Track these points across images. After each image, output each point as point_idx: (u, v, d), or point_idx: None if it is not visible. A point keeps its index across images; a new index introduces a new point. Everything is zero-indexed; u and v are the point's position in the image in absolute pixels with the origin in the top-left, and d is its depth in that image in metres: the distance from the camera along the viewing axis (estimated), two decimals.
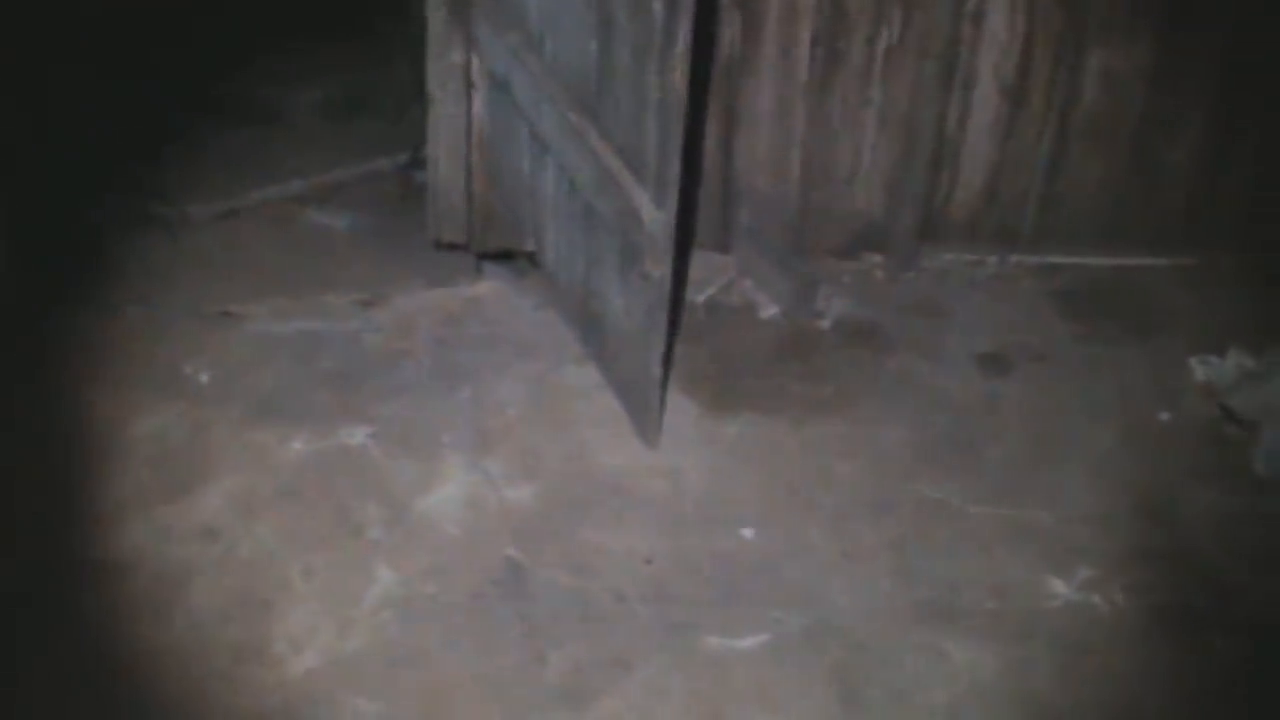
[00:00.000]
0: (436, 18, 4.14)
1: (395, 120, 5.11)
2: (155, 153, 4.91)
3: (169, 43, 5.43)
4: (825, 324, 4.16)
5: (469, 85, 4.22)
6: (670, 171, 3.35)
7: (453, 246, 4.39)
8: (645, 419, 3.72)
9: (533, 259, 4.28)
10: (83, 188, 4.61)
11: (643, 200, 3.45)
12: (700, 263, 4.34)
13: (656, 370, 3.63)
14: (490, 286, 4.31)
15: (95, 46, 5.08)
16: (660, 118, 3.33)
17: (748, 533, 3.47)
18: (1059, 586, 3.37)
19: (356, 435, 3.70)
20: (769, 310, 4.17)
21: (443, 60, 4.18)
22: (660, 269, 3.47)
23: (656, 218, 3.42)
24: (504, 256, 4.37)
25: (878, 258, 4.36)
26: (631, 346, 3.70)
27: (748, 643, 3.21)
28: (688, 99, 3.29)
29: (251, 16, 5.62)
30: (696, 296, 4.26)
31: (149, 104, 5.10)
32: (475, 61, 4.18)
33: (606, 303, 3.81)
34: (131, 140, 4.89)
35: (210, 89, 5.38)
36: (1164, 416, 3.91)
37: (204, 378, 3.88)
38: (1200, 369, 4.04)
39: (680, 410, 3.83)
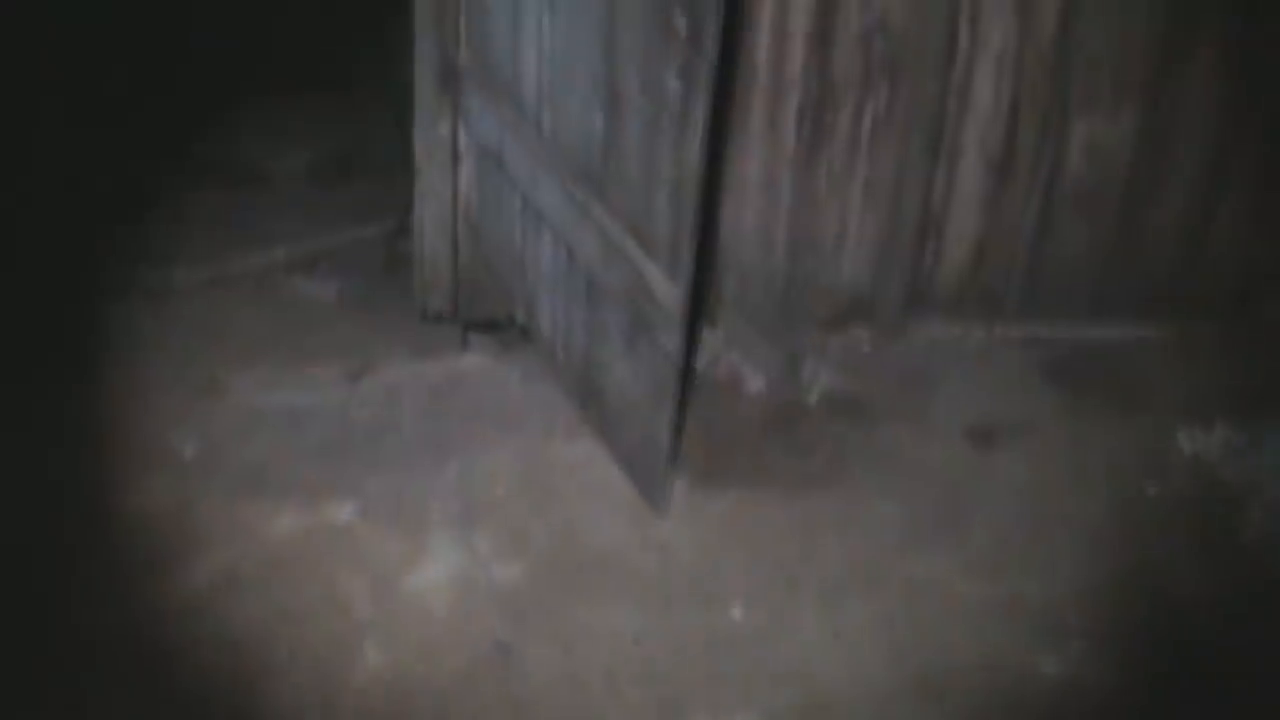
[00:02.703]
0: (425, 90, 4.16)
1: (382, 184, 5.11)
2: (138, 216, 4.91)
3: (149, 94, 5.41)
4: (812, 397, 4.16)
5: (456, 157, 4.23)
6: (684, 246, 3.36)
7: (439, 317, 4.38)
8: (653, 488, 3.72)
9: (523, 330, 4.28)
10: (65, 252, 4.60)
11: (654, 274, 3.46)
12: None
13: (665, 440, 3.62)
14: (476, 358, 4.30)
15: (72, 101, 5.05)
16: (674, 193, 3.35)
17: (737, 611, 3.46)
18: (1050, 663, 3.36)
19: (343, 511, 3.68)
20: (755, 383, 4.16)
21: (430, 132, 4.20)
22: (673, 341, 3.47)
23: (670, 291, 3.42)
24: (490, 327, 4.36)
25: (864, 329, 4.36)
26: (639, 417, 3.70)
27: None
28: (703, 173, 3.30)
29: (231, 67, 5.63)
30: None
31: (130, 163, 5.09)
32: (463, 133, 4.19)
33: (609, 373, 3.80)
34: (113, 202, 4.89)
35: (192, 148, 5.38)
36: (1152, 490, 3.91)
37: (189, 450, 3.86)
38: (1188, 441, 4.05)
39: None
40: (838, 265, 4.31)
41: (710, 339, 4.31)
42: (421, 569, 3.53)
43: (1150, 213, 4.34)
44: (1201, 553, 3.71)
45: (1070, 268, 4.36)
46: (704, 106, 3.20)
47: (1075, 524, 3.77)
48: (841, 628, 3.43)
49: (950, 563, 3.61)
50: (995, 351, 4.38)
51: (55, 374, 4.09)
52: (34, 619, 3.32)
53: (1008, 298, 4.39)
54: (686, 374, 3.77)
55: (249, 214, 5.03)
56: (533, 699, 3.22)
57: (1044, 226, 4.30)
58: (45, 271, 4.47)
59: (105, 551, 3.54)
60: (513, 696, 3.22)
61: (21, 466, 3.75)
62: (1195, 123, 4.24)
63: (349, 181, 5.29)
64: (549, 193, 3.82)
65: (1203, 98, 4.21)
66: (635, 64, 3.39)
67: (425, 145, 4.23)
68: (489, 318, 4.35)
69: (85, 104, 5.10)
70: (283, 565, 3.51)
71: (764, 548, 3.65)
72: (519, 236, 4.09)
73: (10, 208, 4.51)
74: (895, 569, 3.59)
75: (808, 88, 4.07)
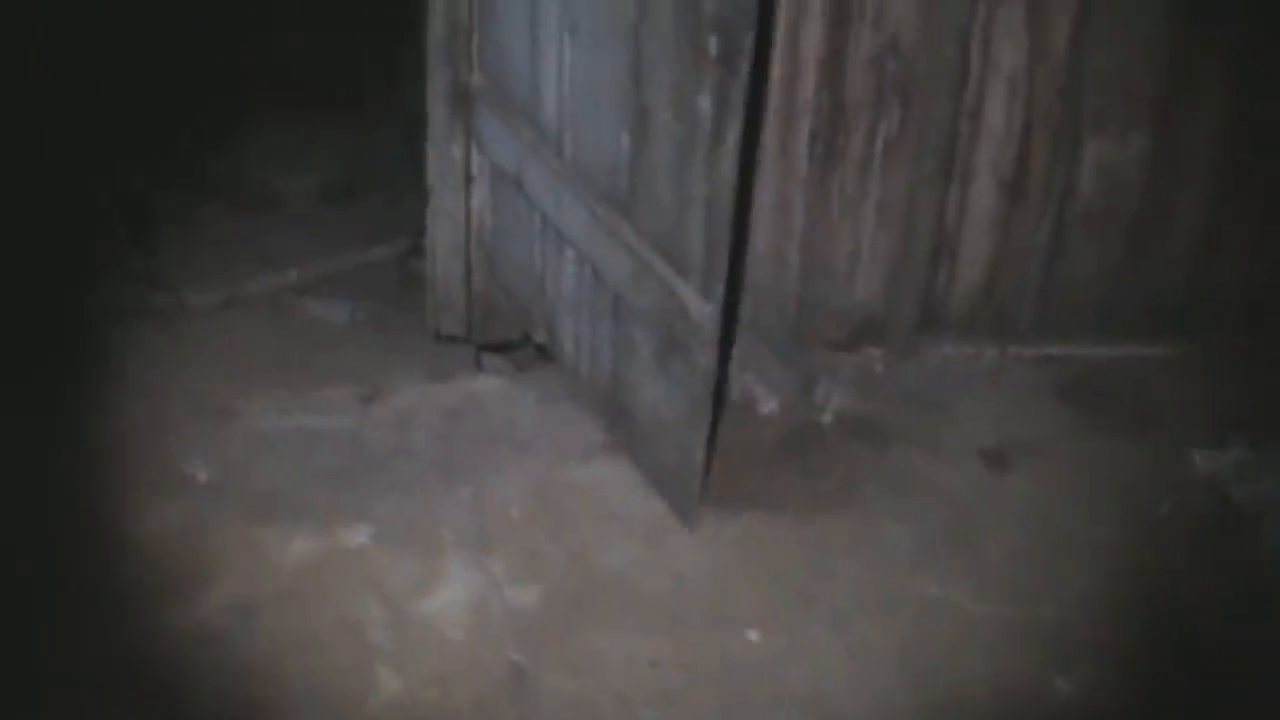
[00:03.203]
0: (437, 112, 4.17)
1: (393, 205, 5.11)
2: (151, 238, 4.91)
3: (159, 114, 5.41)
4: (825, 418, 4.15)
5: (469, 178, 4.24)
6: (719, 265, 3.38)
7: (452, 339, 4.39)
8: (686, 505, 3.72)
9: (539, 350, 4.28)
10: (79, 274, 4.60)
11: (687, 292, 3.47)
12: None
13: (700, 457, 3.64)
14: (490, 380, 4.31)
15: (83, 121, 5.06)
16: (707, 212, 3.36)
17: (752, 634, 3.45)
18: (1063, 684, 3.35)
19: (357, 535, 3.67)
20: (768, 404, 4.16)
21: (442, 153, 4.21)
22: (707, 359, 3.48)
23: (704, 310, 3.43)
24: (504, 348, 4.37)
25: (877, 350, 4.36)
26: (671, 435, 3.70)
27: None
28: (736, 193, 3.31)
29: (240, 85, 5.62)
30: None
31: (136, 180, 5.09)
32: (476, 155, 4.20)
33: (638, 392, 3.81)
34: (126, 223, 4.89)
35: (204, 169, 5.38)
36: (1165, 509, 3.90)
37: (203, 475, 3.86)
38: (1200, 461, 4.04)
39: None
40: (850, 286, 4.31)
41: None
42: (436, 593, 3.52)
43: (1162, 231, 4.34)
44: (1215, 572, 3.70)
45: (1082, 287, 4.36)
46: (737, 127, 3.22)
47: (1088, 544, 3.76)
48: (856, 649, 3.43)
49: (964, 583, 3.61)
50: (1008, 371, 4.38)
51: (67, 398, 4.09)
52: (45, 644, 3.30)
53: (1020, 317, 4.39)
54: (720, 392, 3.78)
55: (259, 235, 5.03)
56: None
57: (1056, 246, 4.31)
58: (56, 294, 4.47)
59: (117, 577, 3.53)
60: None
61: (32, 491, 3.74)
62: (1206, 141, 4.24)
63: (360, 202, 5.29)
64: (572, 213, 3.82)
65: (1213, 116, 4.21)
66: (664, 86, 3.40)
67: (437, 167, 4.24)
68: (503, 339, 4.36)
69: (83, 108, 5.06)
70: (296, 590, 3.51)
71: (778, 570, 3.65)
72: (538, 257, 4.09)
73: (22, 228, 4.50)
74: (909, 590, 3.59)
75: (819, 110, 4.07)
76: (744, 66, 3.15)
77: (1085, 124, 4.17)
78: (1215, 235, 4.37)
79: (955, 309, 4.37)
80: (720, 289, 3.40)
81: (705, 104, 3.26)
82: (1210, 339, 4.44)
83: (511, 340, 4.41)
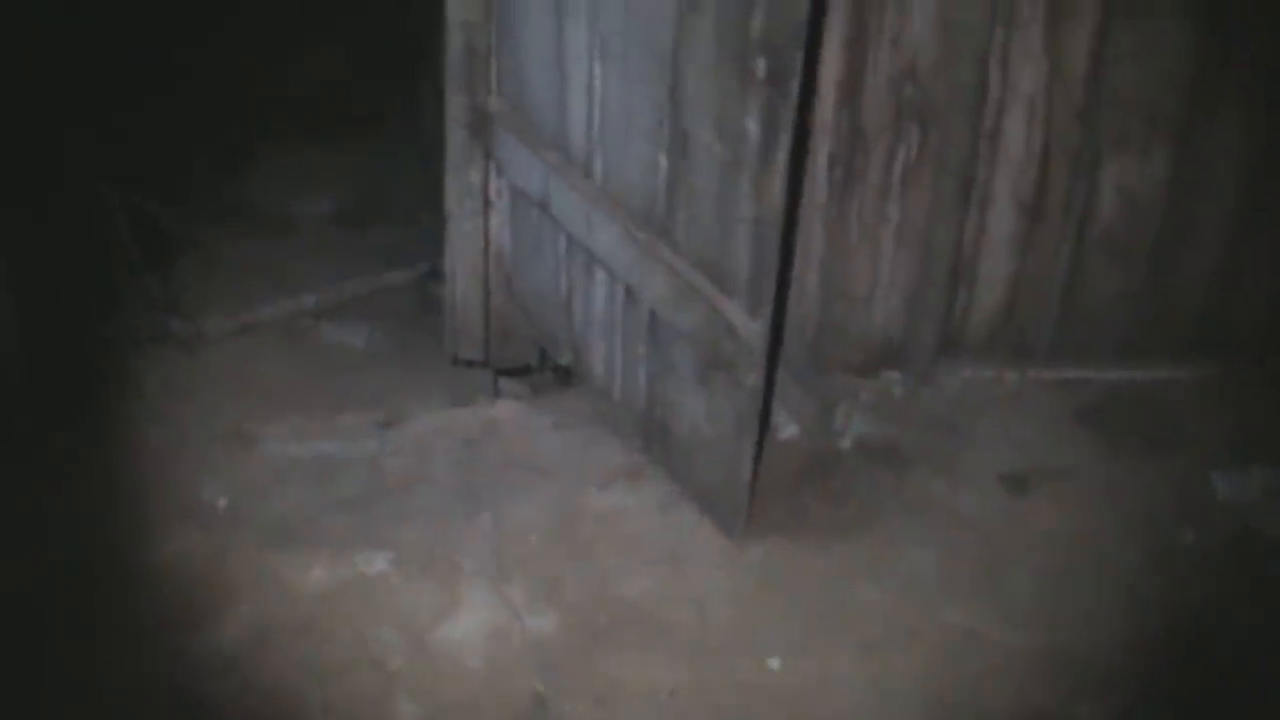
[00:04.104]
0: (455, 136, 4.16)
1: (411, 228, 5.12)
2: (168, 264, 4.91)
3: (176, 138, 5.42)
4: (845, 443, 4.13)
5: (487, 202, 4.23)
6: (767, 284, 3.38)
7: (470, 363, 4.38)
8: (732, 521, 3.73)
9: (561, 374, 4.27)
10: (97, 301, 4.60)
11: (734, 311, 3.47)
12: None
13: (747, 474, 3.65)
14: (508, 405, 4.30)
15: (100, 148, 5.06)
16: (754, 232, 3.37)
17: (774, 663, 3.43)
18: (1090, 713, 3.32)
19: (376, 562, 3.65)
20: (789, 429, 4.13)
21: (461, 178, 4.20)
22: (755, 377, 3.48)
23: (752, 328, 3.44)
24: (523, 372, 4.36)
25: (896, 375, 4.33)
26: (716, 453, 3.70)
27: None
28: (785, 214, 3.32)
29: (256, 109, 5.63)
30: None
31: (158, 210, 5.09)
32: (495, 179, 4.19)
33: (678, 411, 3.80)
34: (143, 250, 4.89)
35: (219, 195, 5.39)
36: (1190, 535, 3.86)
37: (222, 501, 3.86)
38: (1224, 486, 4.01)
39: (703, 535, 3.79)
40: (869, 311, 4.28)
41: None
42: (455, 621, 3.51)
43: (1182, 254, 4.32)
44: (1240, 599, 3.66)
45: (1103, 310, 4.33)
46: (786, 147, 3.23)
47: (1113, 572, 3.73)
48: (879, 679, 3.40)
49: (988, 612, 3.58)
50: (1028, 395, 4.34)
51: (88, 424, 4.09)
52: (64, 669, 3.29)
53: (1040, 341, 4.36)
54: (765, 409, 3.78)
55: (278, 261, 5.04)
56: None
57: (1076, 270, 4.28)
58: (74, 319, 4.47)
59: (136, 603, 3.53)
60: None
61: (52, 516, 3.74)
62: (1226, 163, 4.22)
63: (376, 225, 5.30)
64: (603, 235, 3.81)
65: (1233, 137, 4.18)
66: (706, 107, 3.40)
67: (456, 191, 4.23)
68: (521, 363, 4.35)
69: (99, 131, 5.07)
70: (315, 617, 3.50)
71: (800, 597, 3.62)
72: (564, 280, 4.08)
73: (42, 256, 4.50)
74: (933, 618, 3.56)
75: (838, 134, 4.05)
76: (794, 87, 3.16)
77: (1105, 146, 4.15)
78: (1237, 257, 4.34)
79: (974, 333, 4.34)
80: (769, 308, 3.41)
81: (753, 125, 3.26)
82: (1232, 361, 4.40)
83: (530, 364, 4.40)
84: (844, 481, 4.00)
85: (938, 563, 3.73)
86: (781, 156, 3.23)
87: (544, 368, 4.39)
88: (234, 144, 5.58)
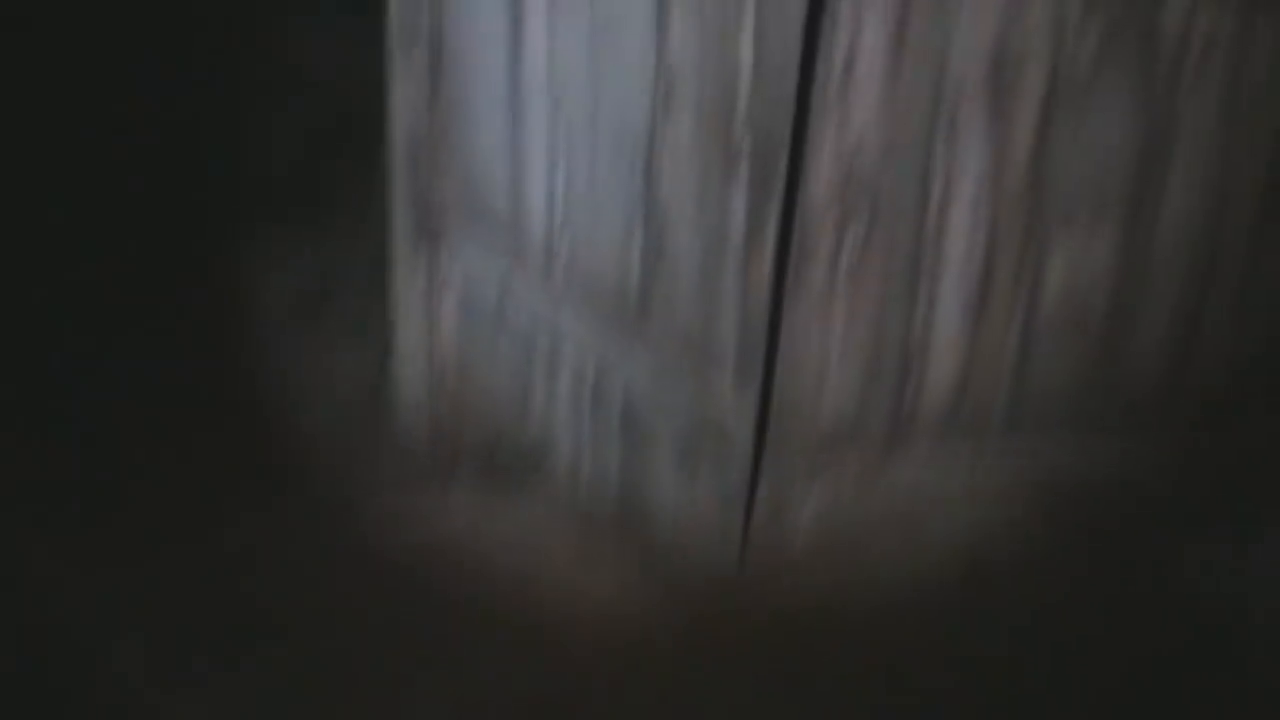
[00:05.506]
0: (402, 221, 4.14)
1: (365, 313, 5.08)
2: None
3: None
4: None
5: (436, 292, 4.20)
6: (755, 356, 3.43)
7: (422, 456, 4.35)
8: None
9: (522, 460, 4.23)
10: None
11: (720, 384, 3.51)
12: None
13: (736, 547, 3.69)
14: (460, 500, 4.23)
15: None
16: (741, 306, 3.41)
17: None
18: None
19: None
20: None
21: (409, 267, 4.19)
22: (743, 451, 3.53)
23: (738, 400, 3.46)
24: (478, 467, 4.32)
25: (848, 461, 4.30)
26: (698, 531, 3.72)
27: None
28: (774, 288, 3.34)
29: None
30: None
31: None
32: (446, 267, 4.16)
33: (655, 492, 3.79)
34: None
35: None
36: (1146, 606, 3.83)
37: None
38: (1182, 556, 3.99)
39: None
40: (820, 394, 4.26)
41: None
42: None
43: (1134, 327, 4.30)
44: (1201, 669, 3.69)
45: (1054, 391, 4.30)
46: (774, 224, 3.22)
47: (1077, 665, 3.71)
48: None
49: None
50: (982, 475, 4.32)
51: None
52: None
53: (990, 424, 4.33)
54: (755, 484, 3.76)
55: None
56: None
57: (1025, 353, 4.24)
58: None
59: None
60: None
61: None
62: (1176, 234, 4.21)
63: (330, 308, 5.25)
64: (568, 315, 3.77)
65: (1182, 209, 4.17)
66: (685, 185, 3.39)
67: (405, 275, 4.20)
68: (476, 459, 4.31)
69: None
70: None
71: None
72: (524, 367, 4.05)
73: None
74: None
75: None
76: (781, 163, 3.14)
77: (1053, 228, 4.13)
78: (1189, 328, 4.32)
79: (926, 418, 4.32)
80: (758, 380, 3.46)
81: (738, 203, 3.25)
82: (1188, 432, 4.39)
83: (487, 451, 4.37)
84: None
85: None
86: (770, 232, 3.31)
87: (502, 454, 4.36)
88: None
